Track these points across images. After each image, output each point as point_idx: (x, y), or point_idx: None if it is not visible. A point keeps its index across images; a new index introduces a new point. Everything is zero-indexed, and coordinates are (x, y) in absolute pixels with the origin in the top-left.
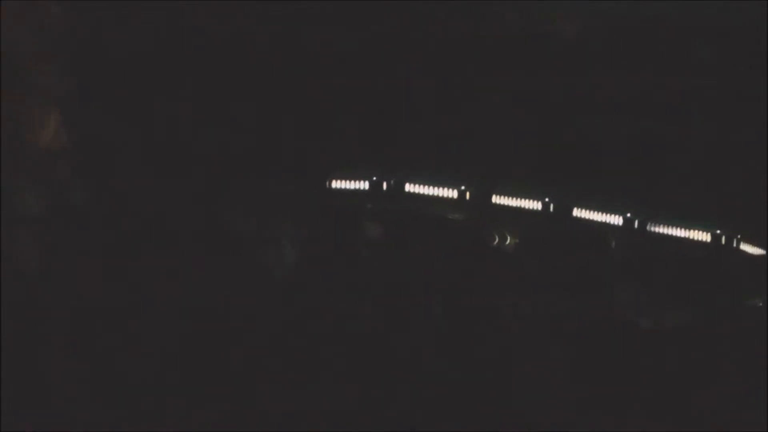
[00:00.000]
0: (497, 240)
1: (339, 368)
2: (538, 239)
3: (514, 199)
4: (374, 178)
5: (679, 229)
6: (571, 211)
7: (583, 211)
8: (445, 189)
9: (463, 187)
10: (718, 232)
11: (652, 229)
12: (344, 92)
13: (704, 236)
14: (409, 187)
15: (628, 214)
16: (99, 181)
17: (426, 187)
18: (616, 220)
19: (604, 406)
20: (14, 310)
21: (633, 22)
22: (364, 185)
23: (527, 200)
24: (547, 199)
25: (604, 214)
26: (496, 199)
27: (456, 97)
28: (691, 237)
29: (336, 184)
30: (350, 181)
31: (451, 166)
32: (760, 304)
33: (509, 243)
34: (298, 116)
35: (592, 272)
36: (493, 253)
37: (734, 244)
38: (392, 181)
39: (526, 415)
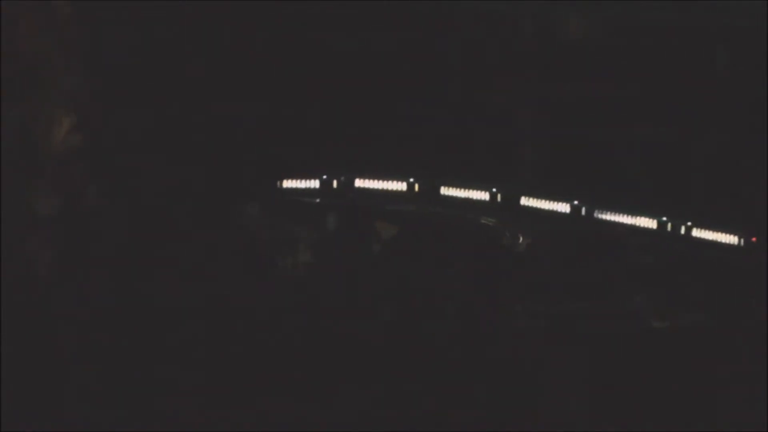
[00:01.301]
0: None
1: (349, 368)
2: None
3: (462, 190)
4: (324, 177)
5: (625, 216)
6: (519, 200)
7: (531, 199)
8: (395, 183)
9: (412, 180)
10: (665, 219)
11: (599, 216)
12: (317, 93)
13: (651, 223)
14: (359, 183)
15: (575, 202)
16: (113, 181)
17: (375, 181)
18: (564, 207)
19: (605, 406)
20: (28, 310)
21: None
22: (314, 184)
23: (477, 191)
24: (494, 189)
25: (552, 203)
26: (445, 191)
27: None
28: (637, 224)
29: (287, 183)
30: (301, 180)
31: (400, 161)
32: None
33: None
34: (251, 118)
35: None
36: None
37: (683, 231)
38: (342, 178)
39: (534, 415)
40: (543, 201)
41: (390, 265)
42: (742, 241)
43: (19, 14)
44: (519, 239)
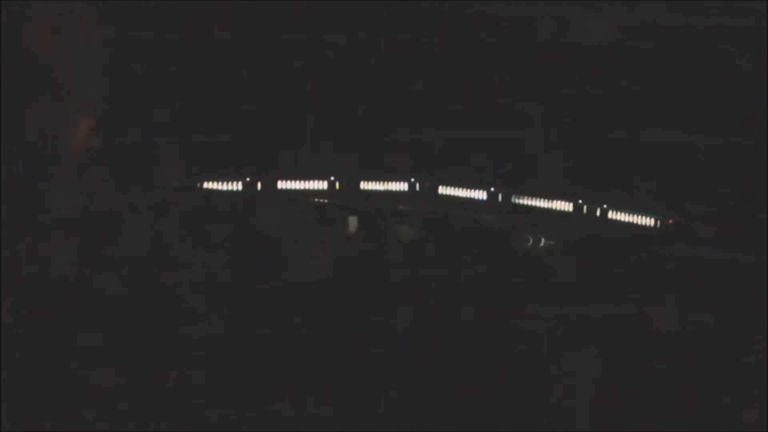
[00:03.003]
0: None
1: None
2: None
3: (381, 183)
4: (248, 179)
5: (541, 200)
6: (437, 190)
7: (448, 188)
8: (316, 182)
9: (332, 178)
10: (580, 202)
11: (517, 201)
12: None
13: (566, 207)
14: (281, 185)
15: (492, 189)
16: (131, 184)
17: (297, 182)
18: (481, 195)
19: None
20: (46, 311)
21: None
22: (237, 186)
23: (395, 183)
24: (413, 180)
25: (469, 190)
26: (364, 186)
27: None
28: (555, 208)
29: (208, 185)
30: (223, 182)
31: (322, 160)
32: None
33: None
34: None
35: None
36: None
37: (598, 214)
38: (263, 181)
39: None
40: (460, 189)
41: (409, 267)
42: (658, 223)
43: (39, 18)
44: (539, 242)
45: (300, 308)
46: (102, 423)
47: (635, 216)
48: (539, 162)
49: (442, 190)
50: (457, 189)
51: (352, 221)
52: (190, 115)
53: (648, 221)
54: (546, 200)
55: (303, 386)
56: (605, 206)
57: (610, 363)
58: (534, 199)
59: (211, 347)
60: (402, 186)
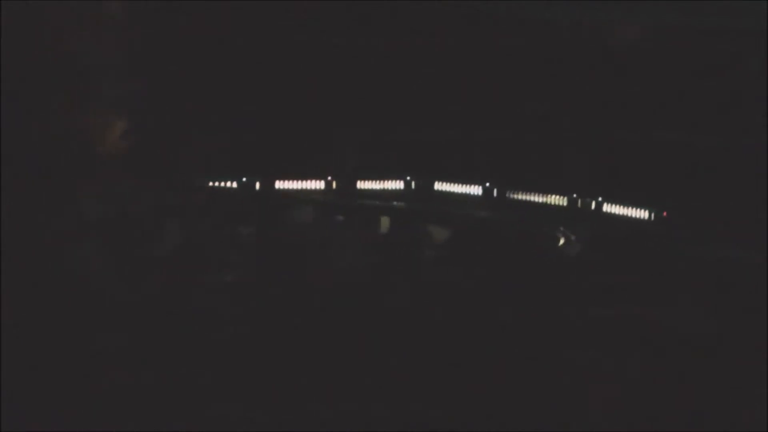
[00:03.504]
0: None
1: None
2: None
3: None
4: (243, 179)
5: (535, 195)
6: (433, 186)
7: (444, 184)
8: (313, 182)
9: (329, 178)
10: (575, 195)
11: (511, 196)
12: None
13: (561, 200)
14: (279, 184)
15: (487, 184)
16: (163, 186)
17: (295, 182)
18: (476, 190)
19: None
20: (82, 313)
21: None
22: (233, 185)
23: (392, 181)
24: (408, 178)
25: (465, 186)
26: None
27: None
28: (548, 202)
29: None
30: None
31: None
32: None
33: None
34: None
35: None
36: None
37: (593, 207)
38: (262, 180)
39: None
40: (456, 185)
41: (443, 269)
42: (653, 215)
43: (72, 18)
44: (570, 242)
45: (337, 310)
46: (102, 423)
47: (629, 209)
48: (533, 159)
49: (438, 186)
50: (453, 185)
51: (384, 221)
52: (216, 115)
53: (642, 214)
54: (541, 195)
55: (338, 385)
56: (600, 199)
57: (613, 363)
58: (530, 194)
59: (242, 349)
60: (398, 185)
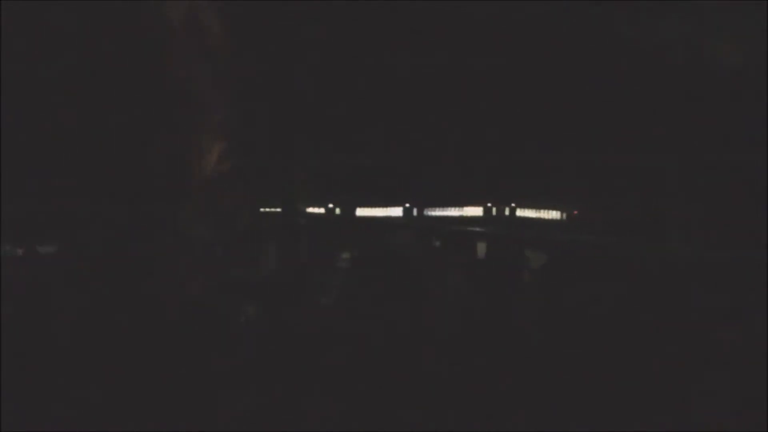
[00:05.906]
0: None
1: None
2: None
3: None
4: (331, 205)
5: (452, 209)
6: (355, 210)
7: (365, 210)
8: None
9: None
10: (489, 205)
11: (429, 213)
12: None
13: (476, 211)
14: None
15: (407, 204)
16: (261, 207)
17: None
18: (396, 212)
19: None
20: (182, 332)
21: None
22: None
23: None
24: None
25: (386, 208)
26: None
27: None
28: (465, 214)
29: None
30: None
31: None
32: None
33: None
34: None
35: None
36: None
37: (507, 213)
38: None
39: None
40: (377, 209)
41: (542, 294)
42: (564, 215)
43: (173, 43)
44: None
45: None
46: (102, 423)
47: (540, 212)
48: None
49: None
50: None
51: (481, 246)
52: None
53: (553, 215)
54: (457, 209)
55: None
56: (513, 205)
57: (610, 363)
58: (444, 209)
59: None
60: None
